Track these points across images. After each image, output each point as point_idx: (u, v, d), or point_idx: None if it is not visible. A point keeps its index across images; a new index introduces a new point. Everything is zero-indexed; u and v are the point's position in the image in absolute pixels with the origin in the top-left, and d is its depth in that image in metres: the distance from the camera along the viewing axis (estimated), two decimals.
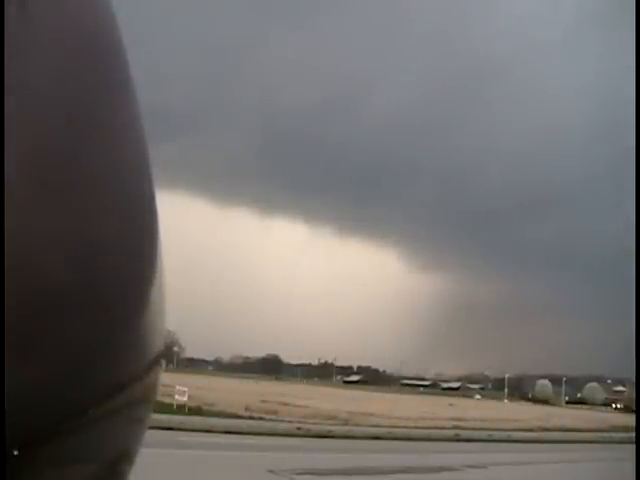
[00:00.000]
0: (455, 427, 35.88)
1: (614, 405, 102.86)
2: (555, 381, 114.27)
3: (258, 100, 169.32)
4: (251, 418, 31.18)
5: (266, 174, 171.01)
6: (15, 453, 0.33)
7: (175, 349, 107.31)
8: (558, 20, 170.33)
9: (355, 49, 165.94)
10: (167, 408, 26.75)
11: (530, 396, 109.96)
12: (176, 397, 29.50)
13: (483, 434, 32.76)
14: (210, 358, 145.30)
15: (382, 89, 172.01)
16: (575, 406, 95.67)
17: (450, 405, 62.01)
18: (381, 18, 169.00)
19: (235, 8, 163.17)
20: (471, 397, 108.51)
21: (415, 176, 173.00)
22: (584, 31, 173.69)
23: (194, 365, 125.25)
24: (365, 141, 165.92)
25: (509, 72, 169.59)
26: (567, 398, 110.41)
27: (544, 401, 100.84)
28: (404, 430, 31.85)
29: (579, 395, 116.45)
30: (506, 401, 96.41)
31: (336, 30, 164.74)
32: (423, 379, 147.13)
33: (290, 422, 30.57)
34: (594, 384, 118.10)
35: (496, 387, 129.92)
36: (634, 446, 12.73)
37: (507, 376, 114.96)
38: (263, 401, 39.75)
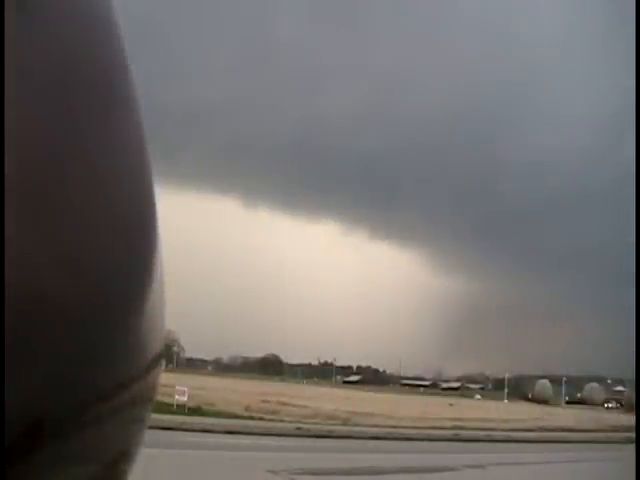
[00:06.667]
0: (455, 427, 35.90)
1: (607, 405, 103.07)
2: (555, 381, 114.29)
3: (292, 99, 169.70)
4: (251, 418, 31.21)
5: (296, 175, 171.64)
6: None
7: (175, 349, 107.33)
8: (563, 40, 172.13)
9: (391, 55, 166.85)
10: (167, 408, 26.78)
11: (530, 396, 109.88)
12: (176, 397, 29.53)
13: (483, 434, 32.79)
14: (210, 358, 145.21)
15: (410, 94, 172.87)
16: (575, 406, 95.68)
17: (450, 405, 62.01)
18: (418, 24, 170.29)
19: (281, 8, 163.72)
20: (471, 397, 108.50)
21: (438, 181, 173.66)
22: (588, 49, 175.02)
23: (194, 365, 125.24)
24: (397, 144, 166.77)
25: (525, 88, 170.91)
26: (567, 398, 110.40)
27: (544, 401, 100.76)
28: (404, 430, 31.88)
29: (579, 395, 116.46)
30: (506, 401, 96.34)
31: (377, 32, 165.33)
32: (423, 379, 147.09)
33: (290, 422, 30.61)
34: (594, 384, 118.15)
35: (496, 387, 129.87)
36: (634, 446, 12.76)
37: (507, 376, 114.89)
38: (263, 401, 39.75)
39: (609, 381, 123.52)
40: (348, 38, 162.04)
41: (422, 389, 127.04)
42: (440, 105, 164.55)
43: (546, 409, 70.92)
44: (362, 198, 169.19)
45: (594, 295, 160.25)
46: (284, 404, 39.66)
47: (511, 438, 32.28)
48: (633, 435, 21.21)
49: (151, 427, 0.46)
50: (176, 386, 29.60)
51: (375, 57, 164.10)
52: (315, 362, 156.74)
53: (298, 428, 27.93)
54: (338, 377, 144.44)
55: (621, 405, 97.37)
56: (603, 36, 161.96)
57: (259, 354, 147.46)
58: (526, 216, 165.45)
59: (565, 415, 57.91)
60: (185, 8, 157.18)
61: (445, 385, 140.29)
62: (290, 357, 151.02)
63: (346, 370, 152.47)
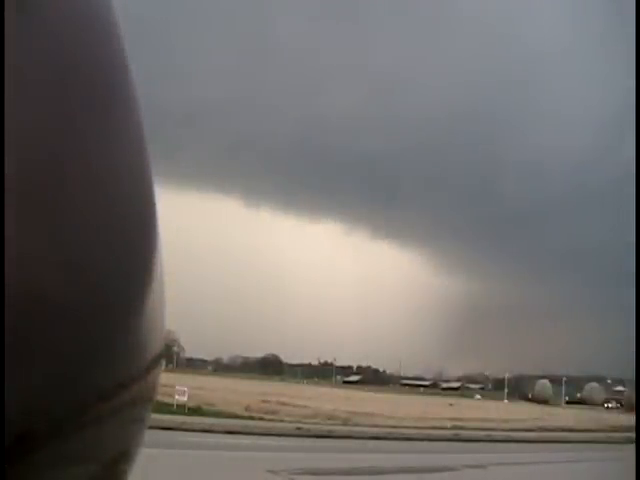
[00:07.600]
0: (455, 427, 35.90)
1: (607, 405, 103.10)
2: (555, 381, 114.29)
3: (292, 99, 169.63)
4: (251, 418, 31.21)
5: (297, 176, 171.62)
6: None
7: (175, 349, 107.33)
8: (563, 40, 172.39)
9: (391, 55, 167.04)
10: (167, 408, 26.79)
11: (530, 396, 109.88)
12: (176, 397, 29.53)
13: (483, 434, 32.79)
14: (210, 358, 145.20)
15: (410, 94, 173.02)
16: (575, 406, 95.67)
17: (450, 405, 62.02)
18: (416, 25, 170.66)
19: (281, 8, 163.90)
20: (471, 397, 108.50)
21: (439, 181, 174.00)
22: (588, 49, 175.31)
23: (194, 365, 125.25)
24: (397, 144, 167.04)
25: (525, 90, 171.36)
26: (567, 398, 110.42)
27: (544, 401, 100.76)
28: (404, 430, 31.88)
29: (579, 395, 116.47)
30: (506, 401, 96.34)
31: (377, 32, 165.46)
32: (423, 379, 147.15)
33: (290, 422, 30.61)
34: (594, 384, 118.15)
35: (496, 387, 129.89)
36: (634, 446, 12.74)
37: (507, 376, 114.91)
38: (263, 401, 39.74)
39: (609, 381, 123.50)
40: (348, 38, 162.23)
41: (422, 389, 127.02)
42: (440, 105, 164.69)
43: (546, 409, 70.89)
44: (363, 198, 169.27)
45: (594, 295, 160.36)
46: (284, 404, 39.64)
47: (511, 438, 32.26)
48: (633, 435, 21.18)
49: (151, 427, 0.46)
50: (176, 386, 29.60)
51: (375, 57, 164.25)
52: (315, 362, 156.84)
53: (298, 428, 27.92)
54: (338, 377, 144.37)
55: (621, 405, 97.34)
56: (603, 36, 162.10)
57: (259, 354, 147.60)
58: (526, 216, 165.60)
59: (565, 415, 57.90)
60: (185, 8, 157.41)
61: (445, 385, 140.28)
62: (290, 357, 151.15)
63: (346, 370, 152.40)
